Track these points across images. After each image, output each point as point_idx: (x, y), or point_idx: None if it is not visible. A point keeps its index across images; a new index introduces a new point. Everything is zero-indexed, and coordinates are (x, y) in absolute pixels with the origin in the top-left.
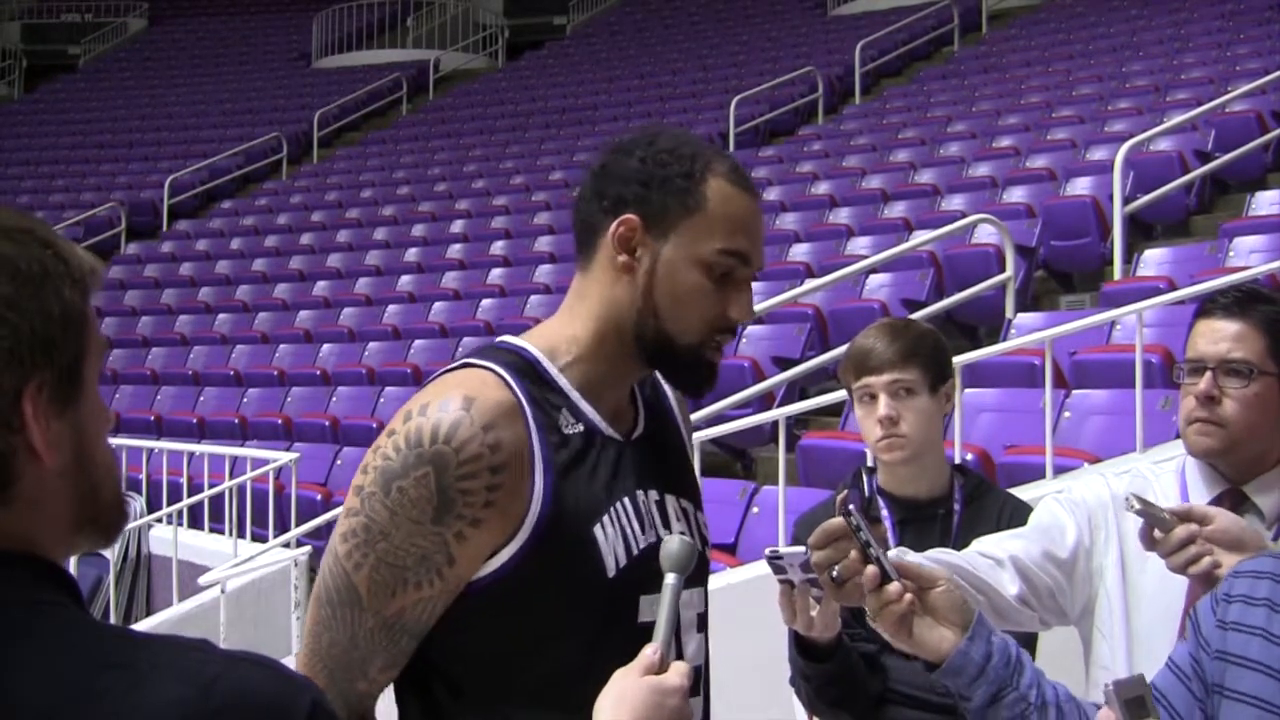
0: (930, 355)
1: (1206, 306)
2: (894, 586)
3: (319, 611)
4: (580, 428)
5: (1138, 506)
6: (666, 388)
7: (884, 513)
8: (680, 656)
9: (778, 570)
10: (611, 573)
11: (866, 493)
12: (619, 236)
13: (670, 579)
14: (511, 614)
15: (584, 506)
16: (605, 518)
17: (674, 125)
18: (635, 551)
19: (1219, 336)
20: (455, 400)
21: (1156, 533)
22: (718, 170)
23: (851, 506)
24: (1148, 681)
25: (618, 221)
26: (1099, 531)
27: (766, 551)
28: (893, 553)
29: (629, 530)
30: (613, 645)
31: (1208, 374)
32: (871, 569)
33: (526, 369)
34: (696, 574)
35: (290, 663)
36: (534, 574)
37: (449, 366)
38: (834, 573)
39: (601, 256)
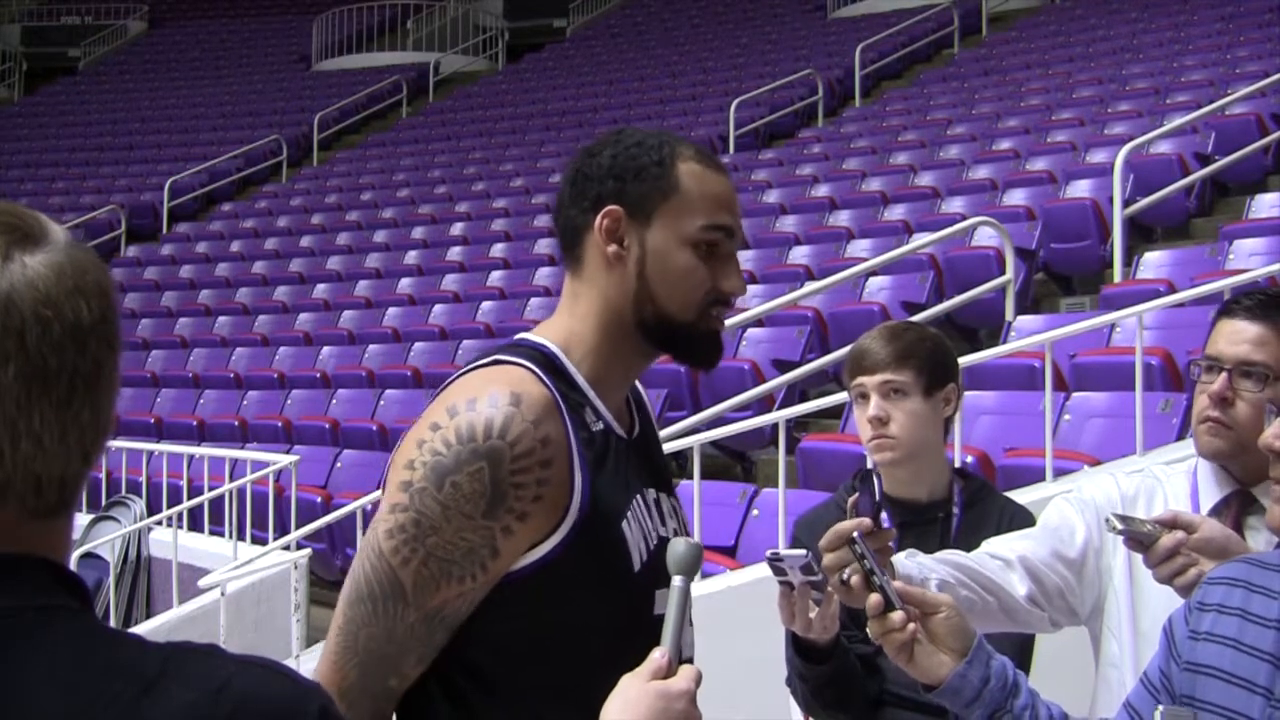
0: (926, 358)
1: (1230, 306)
2: (897, 615)
3: (356, 609)
4: (600, 425)
5: (1119, 526)
6: (641, 389)
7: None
8: (684, 659)
9: (778, 572)
10: (637, 568)
11: (877, 496)
12: (605, 229)
13: (678, 581)
14: (544, 606)
15: (613, 503)
16: (629, 514)
17: (674, 128)
18: (652, 547)
19: (1240, 338)
20: (503, 395)
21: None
22: (685, 154)
23: (857, 536)
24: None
25: (601, 215)
26: (1108, 530)
27: (768, 553)
28: (902, 554)
29: (645, 527)
30: (635, 639)
31: (1224, 375)
32: (875, 597)
33: (552, 367)
34: None
35: (294, 664)
36: (569, 568)
37: (479, 362)
38: (844, 575)
39: (590, 254)
